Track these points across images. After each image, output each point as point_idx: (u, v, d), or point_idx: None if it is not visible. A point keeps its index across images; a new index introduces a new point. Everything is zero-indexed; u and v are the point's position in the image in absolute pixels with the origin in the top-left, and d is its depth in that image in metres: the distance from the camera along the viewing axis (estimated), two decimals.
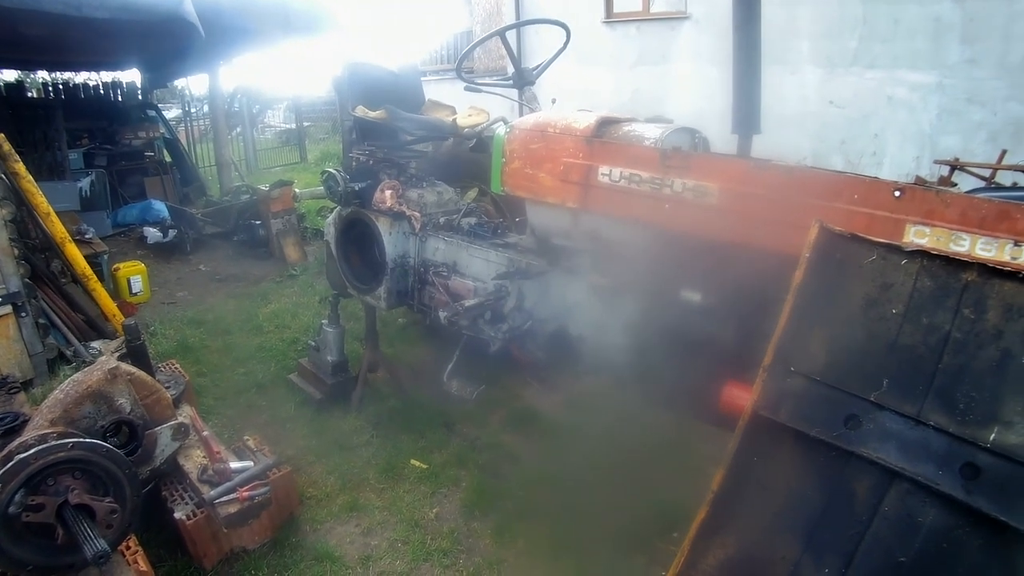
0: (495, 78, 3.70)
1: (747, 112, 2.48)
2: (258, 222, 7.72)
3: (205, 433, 2.93)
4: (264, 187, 7.83)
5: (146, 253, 7.80)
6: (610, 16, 11.89)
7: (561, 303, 3.13)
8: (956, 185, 2.50)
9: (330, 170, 3.76)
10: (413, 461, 3.67)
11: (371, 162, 3.82)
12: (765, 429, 1.67)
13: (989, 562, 1.40)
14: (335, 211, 3.98)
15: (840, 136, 9.48)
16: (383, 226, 3.61)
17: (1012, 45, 8.73)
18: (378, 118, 3.64)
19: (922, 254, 1.59)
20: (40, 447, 2.18)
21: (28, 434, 2.41)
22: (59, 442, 2.22)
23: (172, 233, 8.14)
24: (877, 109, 9.37)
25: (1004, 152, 5.17)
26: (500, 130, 3.07)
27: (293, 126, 17.12)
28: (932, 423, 1.47)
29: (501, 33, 3.48)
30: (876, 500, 1.52)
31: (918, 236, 1.94)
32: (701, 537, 1.69)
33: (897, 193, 2.01)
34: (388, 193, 3.58)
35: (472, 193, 4.26)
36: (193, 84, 14.78)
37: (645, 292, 2.70)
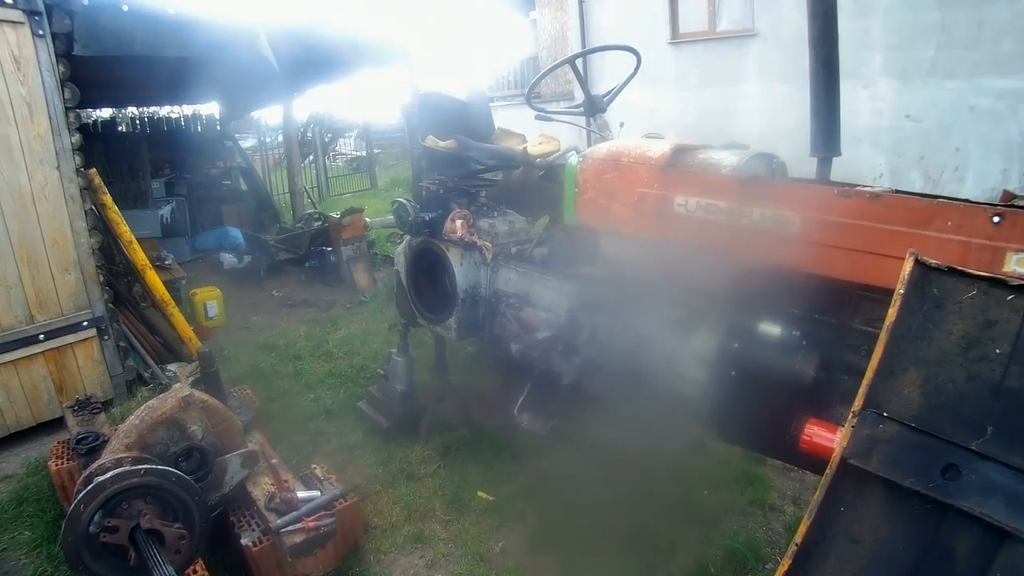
0: (565, 105, 3.65)
1: (826, 134, 2.35)
2: (329, 249, 7.88)
3: (274, 461, 2.94)
4: (335, 214, 8.00)
5: (222, 278, 8.03)
6: (676, 37, 11.77)
7: (634, 336, 3.03)
8: None
9: (400, 200, 3.78)
10: (480, 493, 3.61)
11: (441, 191, 3.82)
12: (854, 478, 1.54)
13: None
14: (405, 241, 3.99)
15: (918, 151, 9.10)
16: (454, 256, 3.58)
17: None
18: (448, 148, 3.64)
19: None
20: (116, 471, 2.21)
21: (106, 457, 2.46)
22: (133, 468, 2.25)
23: (247, 259, 8.40)
24: (958, 120, 8.94)
25: None
26: (573, 160, 3.01)
27: (364, 153, 17.54)
28: None
29: (571, 61, 3.43)
30: (982, 562, 1.35)
31: (1020, 265, 1.79)
32: None
33: (996, 219, 1.85)
34: (459, 223, 3.56)
35: (542, 222, 4.21)
36: (267, 115, 15.28)
37: (720, 324, 2.60)
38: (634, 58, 3.48)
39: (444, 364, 4.22)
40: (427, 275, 3.90)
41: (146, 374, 5.07)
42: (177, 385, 2.84)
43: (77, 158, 4.48)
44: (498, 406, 4.16)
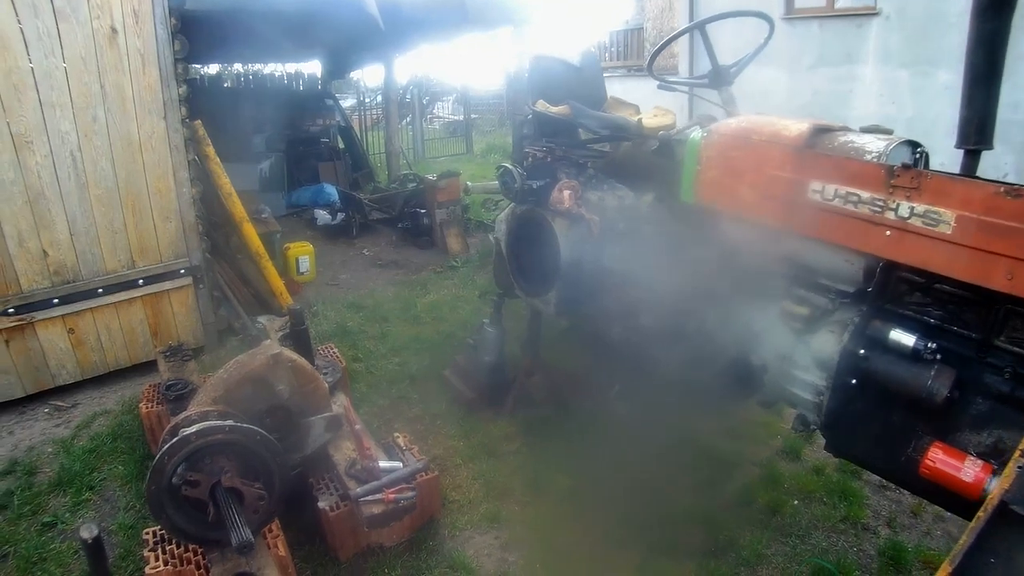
0: (689, 78, 3.36)
1: (980, 122, 2.05)
2: (423, 211, 7.80)
3: (357, 427, 2.85)
4: (432, 176, 7.90)
5: (314, 234, 8.12)
6: (790, 12, 10.91)
7: (747, 329, 2.76)
8: None
9: (506, 165, 3.60)
10: (562, 477, 3.46)
11: (548, 159, 3.62)
12: (1010, 523, 1.37)
13: None
14: (508, 207, 3.81)
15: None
16: (559, 228, 3.39)
17: None
18: (560, 114, 3.43)
19: None
20: (201, 426, 2.14)
21: (192, 409, 2.41)
22: (218, 424, 2.18)
23: (340, 217, 8.43)
24: None
25: None
26: (696, 134, 2.75)
27: (460, 118, 17.45)
28: None
29: (701, 26, 3.14)
30: None
31: None
32: None
33: None
34: (567, 194, 3.35)
35: (647, 199, 3.95)
36: (367, 76, 15.35)
37: (845, 326, 2.33)
38: (764, 28, 3.16)
39: (537, 339, 4.05)
40: (528, 245, 3.73)
41: (236, 324, 5.12)
42: (267, 342, 2.77)
43: (183, 109, 4.51)
44: (588, 387, 4.00)
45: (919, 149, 2.39)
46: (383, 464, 2.73)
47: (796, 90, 11.18)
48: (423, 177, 8.50)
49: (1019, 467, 1.37)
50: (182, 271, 4.66)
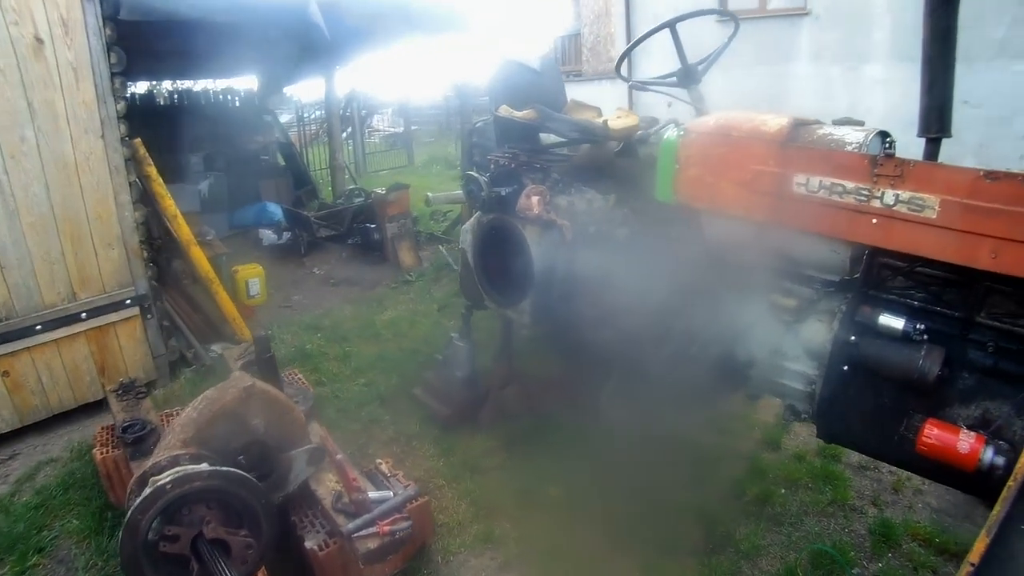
0: (658, 77, 3.32)
1: (939, 112, 2.17)
2: (373, 225, 7.62)
3: (339, 457, 2.68)
4: (380, 190, 7.73)
5: (261, 255, 7.85)
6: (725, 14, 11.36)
7: (734, 325, 2.73)
8: None
9: (472, 173, 3.50)
10: (551, 488, 3.37)
11: (513, 165, 3.52)
12: None
13: None
14: (474, 217, 3.70)
15: (977, 139, 8.53)
16: (530, 235, 3.29)
17: None
18: (527, 118, 3.33)
19: None
20: (176, 475, 1.95)
21: (161, 454, 2.21)
22: (196, 470, 1.99)
23: (287, 235, 8.19)
24: (1022, 108, 8.47)
25: None
26: (671, 134, 2.71)
27: (400, 130, 17.27)
28: None
29: (672, 25, 3.11)
30: None
31: None
32: None
33: None
34: (536, 200, 3.25)
35: (616, 200, 3.89)
36: (302, 91, 14.99)
37: (834, 315, 2.40)
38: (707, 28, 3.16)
39: (509, 349, 3.93)
40: (497, 255, 3.63)
41: (189, 354, 4.86)
42: (236, 374, 2.58)
43: (122, 127, 4.25)
44: (567, 395, 3.91)
45: (888, 139, 2.46)
46: (372, 495, 2.56)
47: (734, 89, 11.42)
48: (371, 191, 8.31)
49: None
50: (128, 301, 4.38)
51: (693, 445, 3.68)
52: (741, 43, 3.25)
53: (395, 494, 2.61)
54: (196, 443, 2.22)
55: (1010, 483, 1.47)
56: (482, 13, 6.55)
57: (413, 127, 17.62)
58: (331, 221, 8.04)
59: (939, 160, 2.21)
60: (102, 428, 3.43)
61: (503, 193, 3.40)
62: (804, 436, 3.77)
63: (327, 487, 2.66)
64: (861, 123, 2.76)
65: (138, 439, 3.02)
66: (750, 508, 3.29)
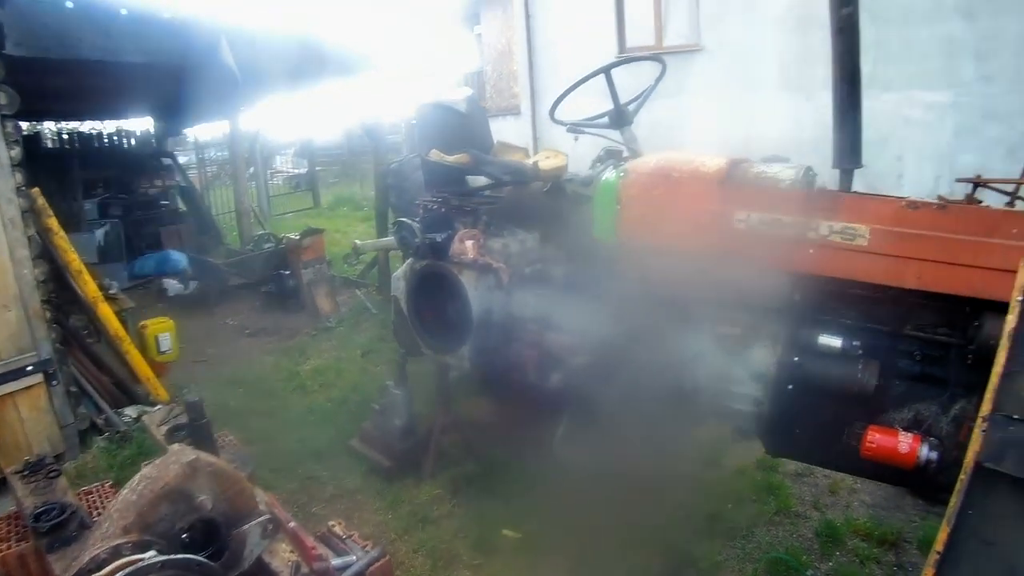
0: (590, 119, 3.41)
1: (851, 146, 2.41)
2: (287, 272, 7.36)
3: (292, 524, 2.53)
4: (294, 235, 7.50)
5: (167, 307, 7.49)
6: (623, 51, 11.96)
7: (682, 355, 2.79)
8: (981, 202, 2.50)
9: (404, 220, 3.46)
10: (505, 531, 3.32)
11: (443, 210, 3.50)
12: (987, 482, 1.60)
13: None
14: (406, 264, 3.65)
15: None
16: (467, 280, 3.27)
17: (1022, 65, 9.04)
18: (459, 162, 3.33)
19: None
20: (127, 571, 1.78)
21: (98, 545, 2.01)
22: (146, 562, 1.83)
23: (193, 285, 7.83)
24: (895, 131, 9.36)
25: None
26: (611, 175, 2.77)
27: (304, 170, 16.91)
28: None
29: (606, 71, 3.22)
30: None
31: None
32: None
33: None
34: (470, 244, 3.25)
35: (550, 241, 3.93)
36: (200, 132, 14.49)
37: (777, 339, 2.56)
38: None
39: (447, 394, 3.87)
40: (432, 301, 3.58)
41: (100, 421, 4.52)
42: (176, 447, 2.40)
43: (18, 175, 3.94)
44: (510, 437, 3.88)
45: (812, 172, 2.65)
46: (335, 562, 2.43)
47: (637, 123, 11.88)
48: (282, 237, 8.05)
49: (983, 431, 1.56)
50: (30, 368, 4.01)
51: (635, 473, 3.74)
52: (640, 78, 3.38)
53: (357, 558, 2.49)
54: (138, 528, 2.04)
55: (962, 476, 1.60)
56: (391, 53, 6.51)
57: (317, 168, 17.29)
58: (242, 268, 7.74)
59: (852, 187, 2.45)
60: (5, 517, 3.08)
61: (437, 239, 3.37)
62: (741, 451, 3.84)
63: (282, 558, 2.49)
64: (787, 159, 2.95)
65: (56, 526, 2.72)
66: (703, 527, 3.36)
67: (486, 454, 3.89)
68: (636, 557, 3.09)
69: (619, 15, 12.31)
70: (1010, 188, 4.71)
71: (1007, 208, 2.21)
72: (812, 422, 2.48)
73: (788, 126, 9.83)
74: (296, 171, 18.55)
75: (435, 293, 3.53)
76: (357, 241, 4.61)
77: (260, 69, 5.59)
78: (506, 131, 13.18)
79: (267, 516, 2.32)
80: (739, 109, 11.04)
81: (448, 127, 3.67)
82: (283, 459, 4.02)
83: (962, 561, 1.60)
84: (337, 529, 2.76)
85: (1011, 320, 1.62)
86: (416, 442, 3.87)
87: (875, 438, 2.23)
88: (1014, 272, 1.64)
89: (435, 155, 3.47)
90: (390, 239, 3.65)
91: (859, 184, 2.55)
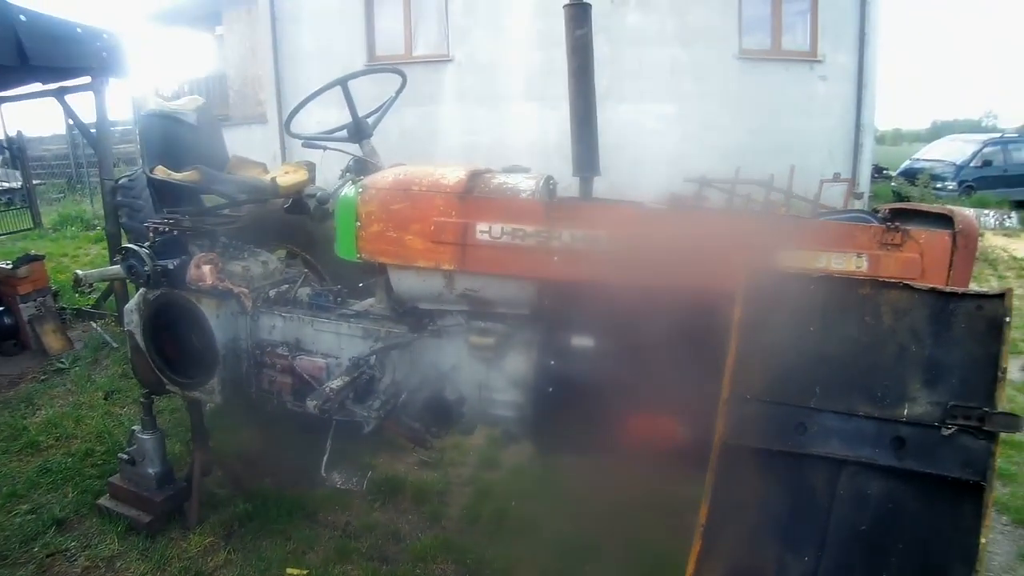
0: (328, 132, 3.30)
1: (588, 156, 2.56)
2: (1, 308, 6.34)
3: None
4: (5, 264, 6.41)
5: None
6: (372, 60, 12.17)
7: (436, 368, 2.87)
8: (707, 200, 2.98)
9: (131, 246, 3.12)
10: (289, 570, 3.15)
11: (175, 233, 3.25)
12: (733, 455, 1.86)
13: (927, 509, 1.72)
14: (138, 295, 3.32)
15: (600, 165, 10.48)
16: (208, 308, 3.06)
17: (729, 84, 11.45)
18: (188, 180, 3.10)
19: (826, 277, 1.86)
20: None
21: None
22: None
23: None
24: (631, 138, 10.59)
25: (739, 169, 6.07)
26: (349, 191, 2.71)
27: (17, 184, 14.61)
28: (861, 413, 1.76)
29: (343, 83, 3.09)
30: (831, 488, 1.78)
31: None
32: (700, 567, 1.84)
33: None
34: (207, 269, 3.04)
35: (279, 255, 3.80)
36: None
37: (531, 345, 2.67)
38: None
39: (203, 431, 3.59)
40: (172, 333, 3.31)
41: None
42: None
43: None
44: (278, 465, 3.76)
45: (553, 181, 2.82)
46: None
47: (385, 131, 11.87)
48: None
49: (725, 413, 1.84)
50: None
51: (413, 487, 3.78)
52: (387, 89, 3.39)
53: None
54: None
55: (712, 456, 1.84)
56: (116, 52, 5.86)
57: (36, 181, 15.02)
58: None
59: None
60: None
61: (170, 266, 3.11)
62: (516, 450, 3.89)
63: None
64: (527, 169, 3.08)
65: None
66: (490, 528, 3.43)
67: (256, 489, 3.68)
68: (427, 569, 3.16)
69: (368, 24, 12.42)
70: (728, 187, 5.54)
71: (729, 209, 2.52)
72: (575, 418, 2.54)
73: (536, 134, 10.91)
74: (7, 184, 15.90)
75: (174, 324, 3.25)
76: (79, 272, 4.04)
77: None
78: (253, 140, 12.67)
79: None
80: (489, 118, 11.80)
81: (175, 140, 3.41)
82: (12, 539, 3.41)
83: (721, 527, 1.83)
84: None
85: (738, 312, 1.85)
86: (176, 489, 3.53)
87: (634, 424, 2.41)
88: (737, 269, 1.88)
89: (161, 172, 3.19)
90: (119, 268, 3.30)
91: (603, 187, 2.75)
